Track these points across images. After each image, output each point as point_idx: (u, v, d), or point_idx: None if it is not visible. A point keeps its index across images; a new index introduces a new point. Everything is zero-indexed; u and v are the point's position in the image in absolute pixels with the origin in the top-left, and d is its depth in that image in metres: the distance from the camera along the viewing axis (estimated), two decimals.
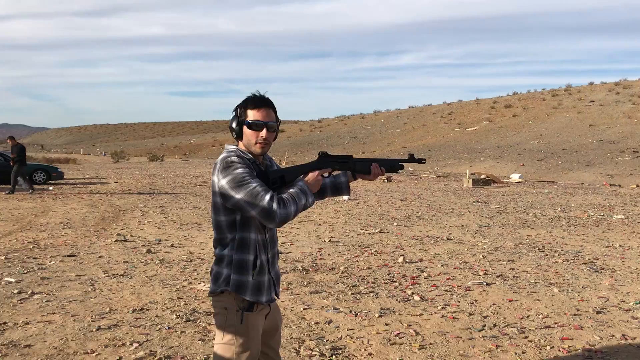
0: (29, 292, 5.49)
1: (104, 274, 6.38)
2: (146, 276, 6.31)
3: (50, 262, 6.95)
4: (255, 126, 2.37)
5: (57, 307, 5.06)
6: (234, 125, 2.42)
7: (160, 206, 13.13)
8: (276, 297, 2.56)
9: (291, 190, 2.36)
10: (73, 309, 5.02)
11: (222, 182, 2.29)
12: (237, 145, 2.45)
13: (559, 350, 4.23)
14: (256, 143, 2.39)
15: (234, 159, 2.31)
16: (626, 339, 4.50)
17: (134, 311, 4.97)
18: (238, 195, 2.24)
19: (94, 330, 4.45)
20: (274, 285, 2.52)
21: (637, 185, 23.21)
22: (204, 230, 9.62)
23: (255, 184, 2.25)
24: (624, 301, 5.62)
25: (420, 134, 57.66)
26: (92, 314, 4.87)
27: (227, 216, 2.35)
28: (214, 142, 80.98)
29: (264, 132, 2.38)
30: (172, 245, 8.22)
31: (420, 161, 2.64)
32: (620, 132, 41.09)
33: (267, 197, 2.23)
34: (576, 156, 34.57)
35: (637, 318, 5.06)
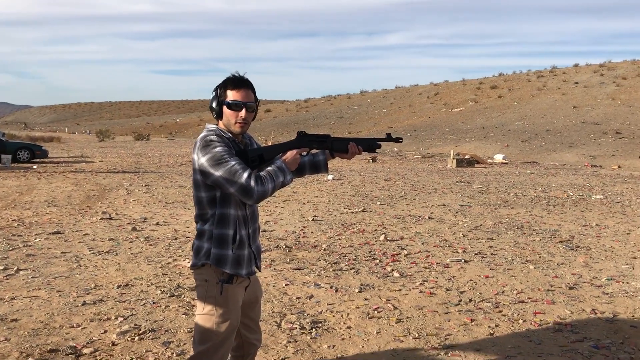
0: (15, 269, 5.56)
1: (89, 251, 6.45)
2: (131, 253, 6.39)
3: (36, 239, 7.00)
4: (234, 106, 2.46)
5: (42, 283, 5.14)
6: (214, 105, 2.50)
7: (146, 185, 13.15)
8: (257, 270, 2.67)
9: (269, 168, 2.45)
10: (58, 284, 5.10)
11: (201, 160, 2.37)
12: (217, 125, 2.53)
13: (531, 324, 4.40)
14: (235, 123, 2.47)
15: (213, 137, 2.40)
16: (596, 313, 4.68)
17: (119, 287, 5.06)
18: (217, 173, 2.34)
19: (80, 305, 4.54)
20: (255, 259, 2.63)
21: (619, 166, 23.57)
22: (189, 209, 9.69)
23: (233, 162, 2.35)
24: (596, 277, 5.81)
25: (406, 114, 57.77)
26: (77, 289, 4.96)
27: (208, 193, 2.44)
28: (200, 122, 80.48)
29: (243, 112, 2.46)
30: (157, 224, 8.29)
31: (397, 140, 2.73)
32: (604, 113, 41.50)
33: (245, 175, 2.33)
34: (559, 137, 34.92)
35: (607, 293, 5.25)
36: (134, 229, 7.77)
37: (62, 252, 6.35)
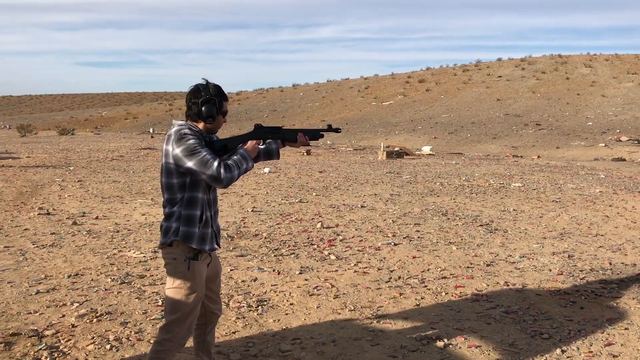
0: None
1: (33, 244, 6.56)
2: (76, 246, 6.56)
3: None
4: (225, 115, 2.96)
5: None
6: (211, 111, 2.88)
7: (79, 180, 13.05)
8: (217, 247, 3.06)
9: (234, 157, 2.90)
10: (8, 276, 5.25)
11: (176, 150, 2.76)
12: (185, 121, 2.92)
13: (452, 296, 4.97)
14: (220, 127, 2.96)
15: (187, 131, 2.81)
16: (508, 285, 5.31)
17: (69, 276, 5.27)
18: (190, 162, 2.74)
19: (33, 294, 4.74)
20: (216, 237, 3.03)
21: (538, 156, 25.09)
22: (126, 203, 9.81)
23: (204, 153, 2.76)
24: (510, 255, 6.49)
25: (338, 108, 58.65)
26: (28, 280, 5.13)
27: (179, 179, 2.83)
28: (127, 115, 78.41)
29: (225, 118, 2.97)
30: (97, 218, 8.41)
31: (337, 130, 3.25)
32: (525, 106, 43.78)
33: (216, 164, 2.75)
34: (484, 129, 36.61)
35: (519, 269, 5.92)
36: (74, 223, 7.87)
37: (5, 247, 6.43)
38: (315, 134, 3.20)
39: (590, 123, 35.69)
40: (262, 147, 3.15)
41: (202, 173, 2.75)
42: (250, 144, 3.02)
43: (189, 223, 2.85)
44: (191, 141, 2.77)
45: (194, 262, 2.86)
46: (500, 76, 58.06)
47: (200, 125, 2.92)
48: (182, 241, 2.83)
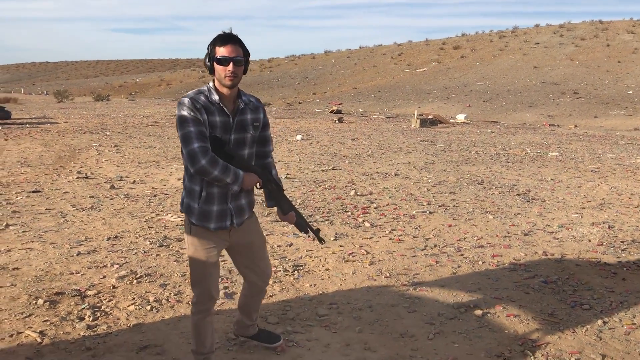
0: (4, 224, 5.78)
1: (73, 207, 6.70)
2: (114, 209, 6.67)
3: (17, 197, 7.19)
4: (223, 61, 2.64)
5: (34, 236, 5.41)
6: (206, 61, 2.71)
7: (115, 145, 13.24)
8: (233, 226, 2.84)
9: (231, 166, 2.66)
10: (50, 237, 5.38)
11: (176, 117, 2.69)
12: (212, 82, 2.74)
13: (489, 265, 4.91)
14: (225, 77, 2.65)
15: (185, 100, 2.63)
16: (546, 255, 5.23)
17: (108, 239, 5.37)
18: (179, 132, 2.62)
19: (75, 255, 4.85)
20: (232, 215, 2.82)
21: (575, 126, 24.49)
22: (162, 168, 9.92)
23: (191, 128, 2.58)
24: (549, 225, 6.37)
25: (370, 75, 58.00)
26: (69, 241, 5.25)
27: None
28: (161, 82, 79.01)
29: (230, 67, 2.63)
30: (134, 182, 8.53)
31: (321, 241, 3.07)
32: (563, 74, 42.64)
33: (197, 145, 2.56)
34: (520, 97, 35.83)
35: (557, 238, 5.81)
36: (112, 187, 8.00)
37: (46, 209, 6.58)
38: (303, 226, 2.97)
39: (630, 92, 34.61)
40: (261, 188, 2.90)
41: (183, 146, 2.60)
42: (252, 176, 2.77)
43: (190, 197, 2.77)
44: (183, 112, 2.60)
45: (197, 227, 2.78)
46: (538, 43, 56.51)
47: (214, 83, 2.72)
48: (185, 213, 2.81)
